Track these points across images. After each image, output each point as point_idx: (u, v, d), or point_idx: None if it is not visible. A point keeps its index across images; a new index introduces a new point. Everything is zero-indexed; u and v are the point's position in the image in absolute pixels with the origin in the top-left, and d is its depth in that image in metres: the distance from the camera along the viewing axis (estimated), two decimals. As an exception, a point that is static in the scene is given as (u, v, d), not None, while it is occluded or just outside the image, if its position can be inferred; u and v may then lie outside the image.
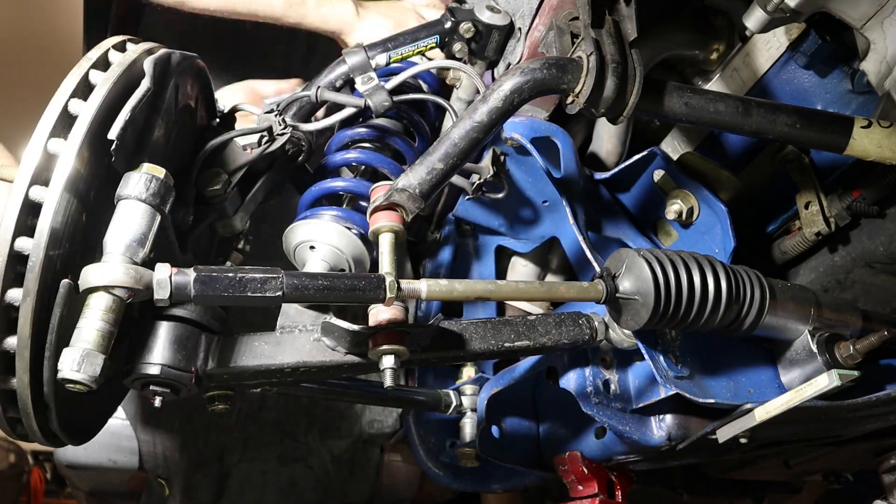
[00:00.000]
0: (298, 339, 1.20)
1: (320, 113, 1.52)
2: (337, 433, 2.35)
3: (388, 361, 1.13)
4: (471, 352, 1.29)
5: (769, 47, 1.40)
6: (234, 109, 1.38)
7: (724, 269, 1.21)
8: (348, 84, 1.43)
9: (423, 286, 1.04)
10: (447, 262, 1.81)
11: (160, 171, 1.03)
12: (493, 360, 1.83)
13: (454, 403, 1.65)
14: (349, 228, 1.34)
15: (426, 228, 1.83)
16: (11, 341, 0.96)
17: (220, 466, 2.29)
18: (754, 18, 1.08)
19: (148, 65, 1.07)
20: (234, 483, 2.31)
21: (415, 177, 1.10)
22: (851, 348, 1.26)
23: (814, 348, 1.29)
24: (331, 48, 1.91)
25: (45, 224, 0.94)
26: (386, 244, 1.10)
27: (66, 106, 1.00)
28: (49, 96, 1.01)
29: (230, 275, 0.96)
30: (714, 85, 1.52)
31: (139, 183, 1.01)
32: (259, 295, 0.97)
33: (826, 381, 1.17)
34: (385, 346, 1.13)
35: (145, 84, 1.05)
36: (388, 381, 1.12)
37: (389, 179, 1.42)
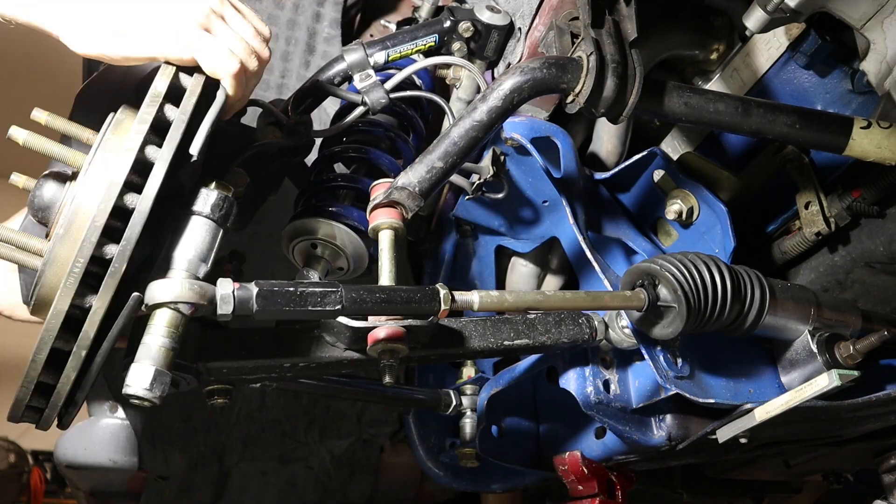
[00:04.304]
0: (298, 334, 1.21)
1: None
2: (337, 433, 2.34)
3: (387, 358, 1.13)
4: (470, 350, 1.29)
5: (769, 47, 1.40)
6: (248, 103, 1.38)
7: (728, 269, 1.21)
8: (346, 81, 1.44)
9: (476, 297, 1.06)
10: (447, 262, 1.81)
11: (229, 190, 1.04)
12: (492, 358, 1.83)
13: (454, 403, 1.65)
14: (347, 225, 1.34)
15: (426, 228, 1.83)
16: (71, 341, 0.93)
17: (220, 466, 2.29)
18: (754, 18, 1.08)
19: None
20: (234, 483, 2.30)
21: (414, 175, 1.10)
22: (851, 348, 1.25)
23: (814, 348, 1.29)
24: (330, 47, 1.91)
25: (133, 232, 0.91)
26: (386, 241, 1.11)
27: (161, 109, 0.98)
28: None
29: (291, 289, 0.97)
30: (714, 85, 1.52)
31: (211, 201, 1.02)
32: (319, 309, 0.98)
33: (826, 381, 1.17)
34: (384, 343, 1.12)
35: (221, 96, 1.05)
36: (387, 379, 1.12)
37: (385, 174, 1.42)
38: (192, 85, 1.03)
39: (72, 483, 2.35)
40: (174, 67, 1.03)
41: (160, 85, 1.00)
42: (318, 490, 2.37)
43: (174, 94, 1.01)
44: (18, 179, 1.07)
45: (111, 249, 0.91)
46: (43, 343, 0.92)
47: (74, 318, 0.92)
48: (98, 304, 0.91)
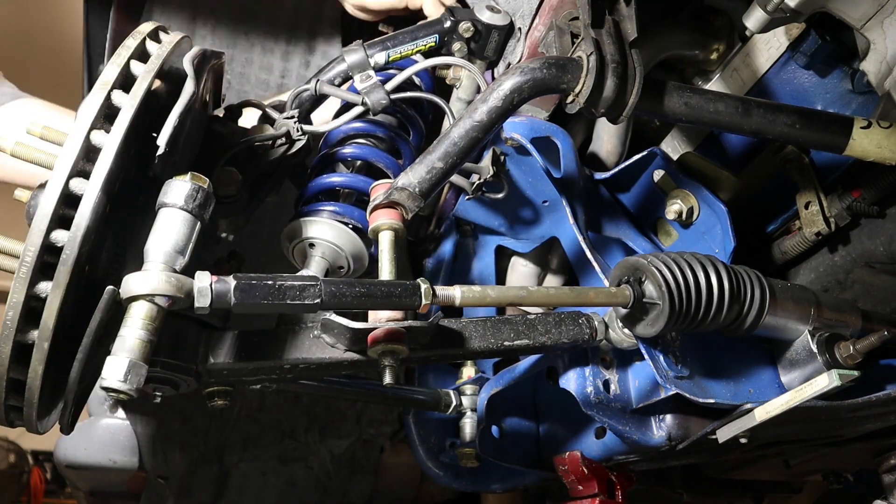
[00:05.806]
0: (298, 336, 1.21)
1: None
2: (337, 433, 2.34)
3: (387, 359, 1.13)
4: (470, 350, 1.29)
5: (769, 47, 1.40)
6: (244, 104, 1.38)
7: (725, 269, 1.21)
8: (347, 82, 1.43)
9: (457, 292, 1.04)
10: (447, 262, 1.81)
11: (204, 181, 1.02)
12: (492, 358, 1.83)
13: (454, 403, 1.65)
14: (347, 225, 1.35)
15: (426, 228, 1.83)
16: (32, 332, 0.94)
17: (220, 466, 2.29)
18: (754, 18, 1.07)
19: (188, 65, 1.05)
20: (234, 483, 2.31)
21: (414, 175, 1.10)
22: (851, 348, 1.25)
23: (814, 348, 1.29)
24: (330, 47, 1.91)
25: (82, 218, 0.91)
26: (386, 242, 1.11)
27: (108, 96, 0.97)
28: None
29: (269, 282, 0.95)
30: (714, 85, 1.52)
31: (184, 192, 1.00)
32: (298, 302, 0.97)
33: (826, 381, 1.17)
34: (384, 344, 1.13)
35: (190, 87, 1.03)
36: (387, 379, 1.12)
37: (386, 174, 1.42)
38: (144, 72, 1.01)
39: (72, 483, 2.35)
40: (126, 56, 1.01)
41: (109, 73, 0.99)
42: (318, 490, 2.37)
43: (126, 82, 1.00)
44: (22, 195, 1.07)
45: (62, 236, 0.91)
46: (4, 337, 0.91)
47: (36, 311, 0.92)
48: (54, 292, 0.90)
